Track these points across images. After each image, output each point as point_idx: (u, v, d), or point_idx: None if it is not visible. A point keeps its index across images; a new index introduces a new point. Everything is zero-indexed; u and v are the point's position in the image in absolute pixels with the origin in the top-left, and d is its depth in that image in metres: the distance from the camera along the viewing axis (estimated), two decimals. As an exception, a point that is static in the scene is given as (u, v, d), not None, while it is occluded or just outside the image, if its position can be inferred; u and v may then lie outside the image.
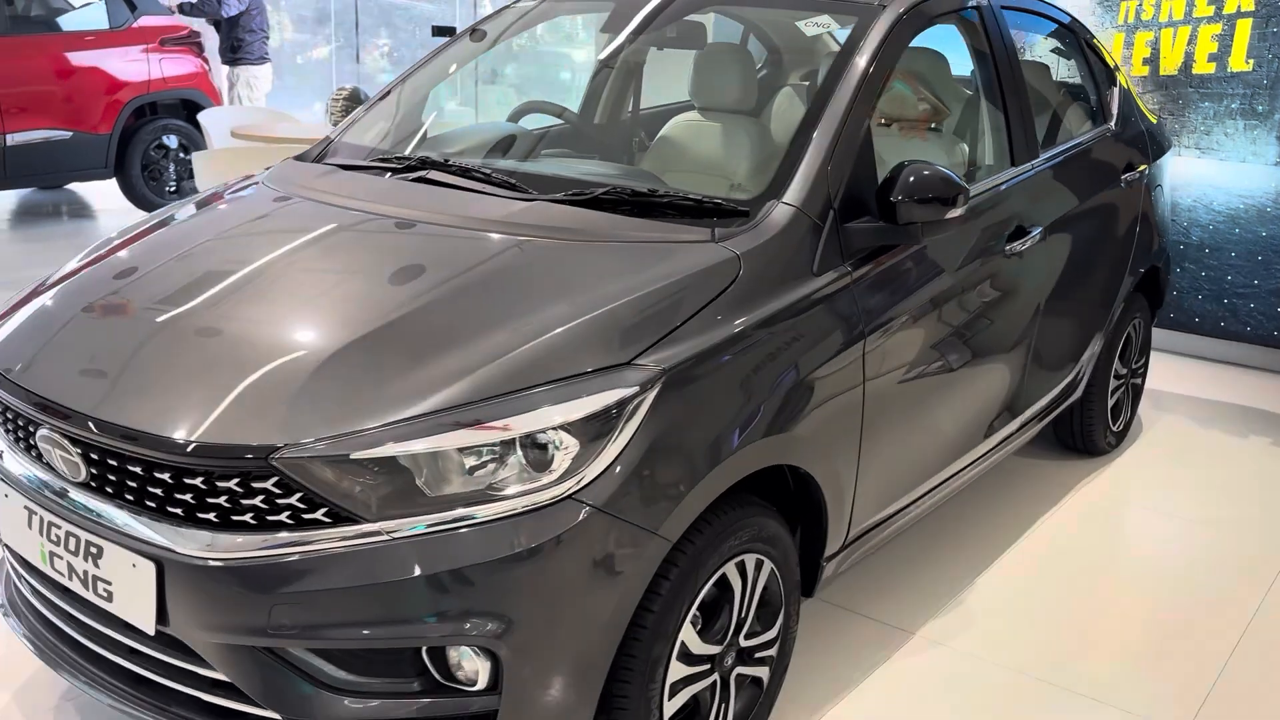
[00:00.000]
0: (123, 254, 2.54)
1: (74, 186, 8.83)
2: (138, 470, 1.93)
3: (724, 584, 2.23)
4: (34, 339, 2.26)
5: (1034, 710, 2.70)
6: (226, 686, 1.95)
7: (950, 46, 3.36)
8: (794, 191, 2.42)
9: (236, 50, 8.65)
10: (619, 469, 1.92)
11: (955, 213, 2.50)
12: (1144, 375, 4.43)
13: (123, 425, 1.93)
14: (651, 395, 1.98)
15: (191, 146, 8.10)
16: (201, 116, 7.05)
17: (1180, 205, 5.40)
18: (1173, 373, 5.23)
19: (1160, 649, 2.99)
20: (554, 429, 1.88)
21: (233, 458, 1.84)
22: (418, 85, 3.37)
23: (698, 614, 2.18)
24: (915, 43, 2.92)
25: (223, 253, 2.47)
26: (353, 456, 1.82)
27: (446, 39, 3.66)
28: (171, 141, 8.21)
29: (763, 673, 2.41)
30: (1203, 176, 5.38)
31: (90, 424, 1.96)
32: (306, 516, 1.84)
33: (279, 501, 1.84)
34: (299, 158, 3.05)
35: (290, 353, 2.01)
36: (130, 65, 7.89)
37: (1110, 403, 4.09)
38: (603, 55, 4.06)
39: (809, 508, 2.48)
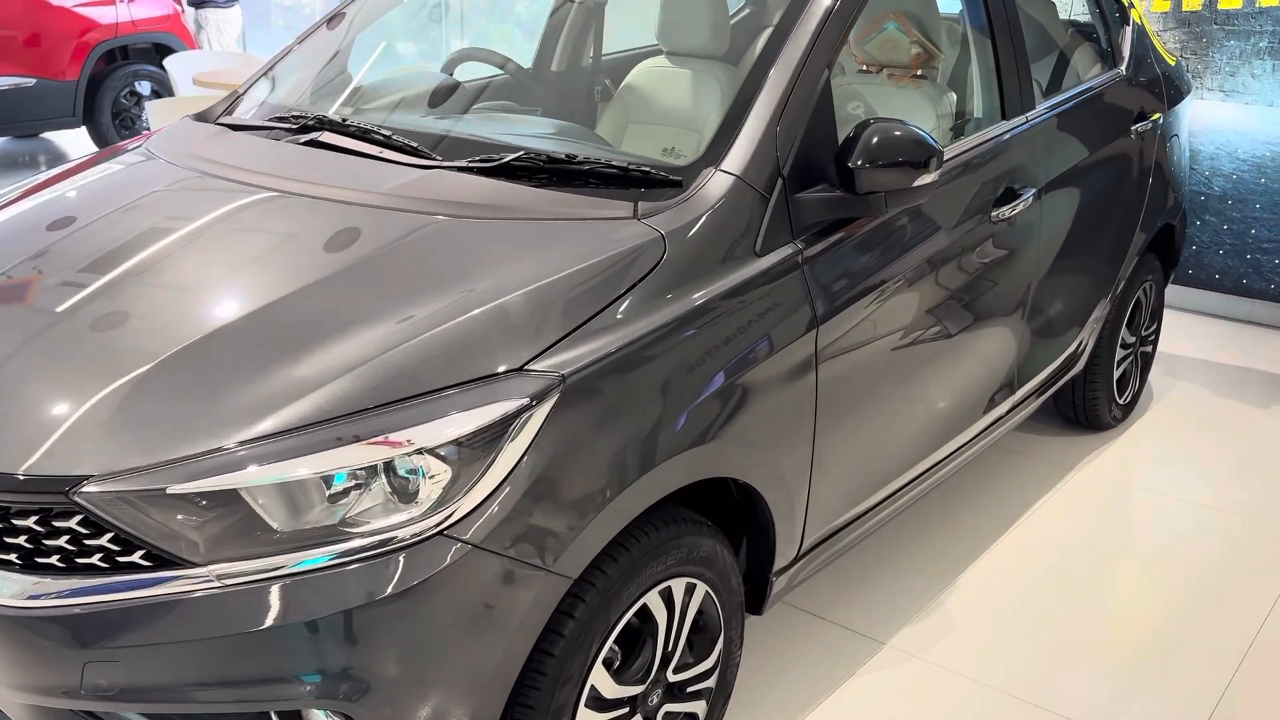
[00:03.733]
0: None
1: (48, 135, 8.52)
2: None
3: (647, 614, 1.94)
4: None
5: (1013, 737, 2.41)
6: (48, 750, 1.67)
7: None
8: (734, 158, 2.08)
9: None
10: (503, 497, 1.62)
11: (926, 179, 2.16)
12: (1155, 343, 4.07)
13: None
14: (546, 408, 1.67)
15: (165, 93, 7.75)
16: (168, 62, 6.70)
17: (1202, 153, 5.00)
18: (1189, 333, 4.87)
19: (1161, 665, 2.68)
20: (416, 453, 1.58)
21: (28, 492, 1.54)
22: (349, 27, 3.01)
23: (615, 648, 1.89)
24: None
25: (77, 240, 2.12)
26: (170, 491, 1.52)
27: None
28: (144, 88, 7.87)
29: (698, 708, 2.12)
30: (1227, 121, 4.96)
31: None
32: (123, 560, 1.55)
33: (87, 543, 1.55)
34: (200, 115, 2.73)
35: (114, 363, 1.70)
36: (98, 8, 7.53)
37: (1116, 374, 3.74)
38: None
39: (754, 518, 2.17)
